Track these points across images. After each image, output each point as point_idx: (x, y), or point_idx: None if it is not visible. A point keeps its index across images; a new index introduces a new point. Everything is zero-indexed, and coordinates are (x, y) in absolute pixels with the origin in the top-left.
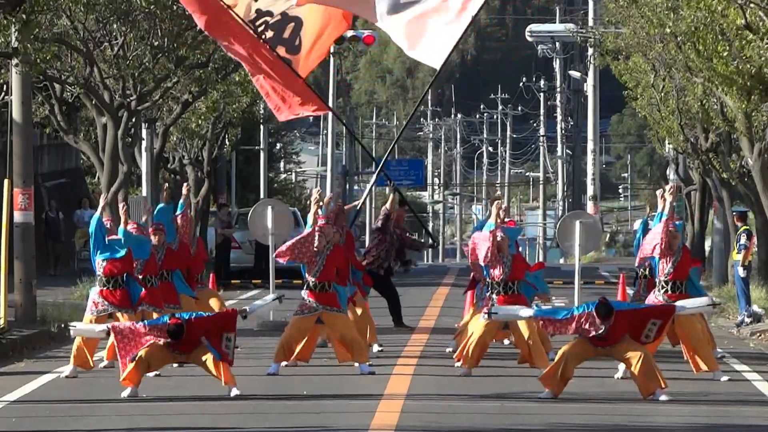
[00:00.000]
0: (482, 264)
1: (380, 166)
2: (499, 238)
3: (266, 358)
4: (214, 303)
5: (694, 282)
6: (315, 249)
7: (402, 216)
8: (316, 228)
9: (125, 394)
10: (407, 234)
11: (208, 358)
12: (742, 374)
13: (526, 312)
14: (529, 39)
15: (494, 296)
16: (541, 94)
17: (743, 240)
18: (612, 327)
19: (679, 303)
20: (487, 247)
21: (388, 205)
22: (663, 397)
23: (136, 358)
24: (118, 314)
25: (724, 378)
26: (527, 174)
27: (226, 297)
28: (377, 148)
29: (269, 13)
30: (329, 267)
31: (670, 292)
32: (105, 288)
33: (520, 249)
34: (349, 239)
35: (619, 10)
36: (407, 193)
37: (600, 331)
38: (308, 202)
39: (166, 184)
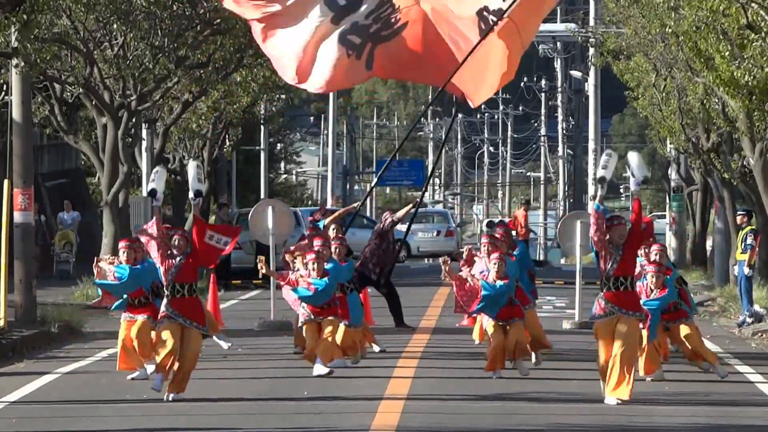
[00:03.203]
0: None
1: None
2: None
3: (267, 359)
4: None
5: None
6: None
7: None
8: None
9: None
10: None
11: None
12: (744, 374)
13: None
14: None
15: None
16: (542, 94)
17: (750, 240)
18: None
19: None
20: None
21: (400, 214)
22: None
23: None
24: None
25: (725, 374)
26: (528, 174)
27: (227, 297)
28: (378, 148)
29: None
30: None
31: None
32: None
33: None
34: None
35: (620, 9)
36: (408, 194)
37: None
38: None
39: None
